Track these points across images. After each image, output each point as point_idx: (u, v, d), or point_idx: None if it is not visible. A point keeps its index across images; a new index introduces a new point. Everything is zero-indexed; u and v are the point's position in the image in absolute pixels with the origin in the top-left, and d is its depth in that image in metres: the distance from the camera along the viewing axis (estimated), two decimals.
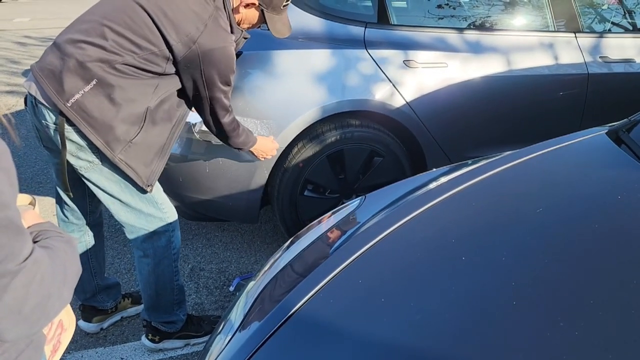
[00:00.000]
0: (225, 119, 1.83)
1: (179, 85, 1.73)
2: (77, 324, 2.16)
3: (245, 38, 1.89)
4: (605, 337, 0.85)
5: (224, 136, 1.89)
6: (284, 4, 1.85)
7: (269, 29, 1.87)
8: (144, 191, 1.76)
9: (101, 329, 2.17)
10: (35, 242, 0.77)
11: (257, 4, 1.81)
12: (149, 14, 1.60)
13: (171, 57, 1.64)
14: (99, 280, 2.10)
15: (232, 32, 1.77)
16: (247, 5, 1.81)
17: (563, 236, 1.11)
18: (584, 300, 0.92)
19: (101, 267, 2.11)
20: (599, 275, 0.98)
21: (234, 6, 1.80)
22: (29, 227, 0.81)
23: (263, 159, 2.13)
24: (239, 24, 1.85)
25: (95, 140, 1.61)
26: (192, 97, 1.76)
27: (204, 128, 1.96)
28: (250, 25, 1.89)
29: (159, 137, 1.72)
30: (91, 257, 2.05)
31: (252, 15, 1.85)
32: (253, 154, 2.06)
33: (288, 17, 1.93)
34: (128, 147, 1.65)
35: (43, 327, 0.74)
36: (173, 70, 1.68)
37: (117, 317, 2.22)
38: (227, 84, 1.75)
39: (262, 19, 1.86)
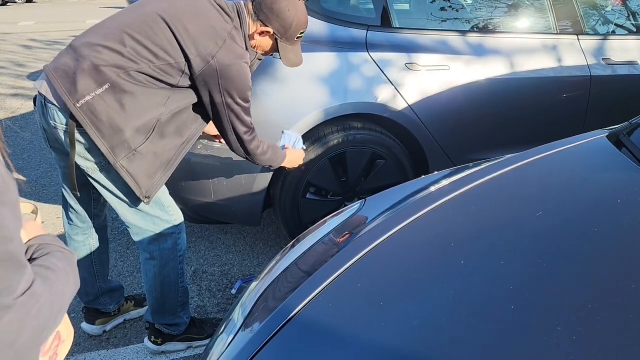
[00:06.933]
0: (247, 137, 1.82)
1: (193, 100, 1.74)
2: (80, 327, 2.18)
3: (259, 60, 1.92)
4: (603, 342, 0.85)
5: (249, 155, 1.89)
6: (298, 35, 1.86)
7: (280, 58, 1.89)
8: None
9: (104, 331, 2.18)
10: (34, 259, 0.76)
11: (272, 32, 1.82)
12: (170, 28, 1.64)
13: (187, 71, 1.67)
14: (102, 283, 2.11)
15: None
16: (262, 33, 1.83)
17: (562, 240, 1.11)
18: (582, 305, 0.92)
19: (105, 270, 2.12)
20: (598, 280, 0.98)
21: (251, 32, 1.82)
22: (29, 240, 0.80)
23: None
24: (253, 49, 1.87)
25: (100, 144, 1.62)
26: (212, 116, 1.77)
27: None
28: (264, 52, 1.91)
29: (166, 151, 1.73)
30: (95, 260, 2.06)
31: (266, 43, 1.86)
32: (285, 167, 2.09)
33: (301, 49, 1.94)
34: (132, 155, 1.66)
35: (35, 357, 0.73)
36: (187, 84, 1.70)
37: (120, 320, 2.23)
38: (245, 100, 1.77)
39: (276, 48, 1.88)
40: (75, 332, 2.19)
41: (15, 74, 6.70)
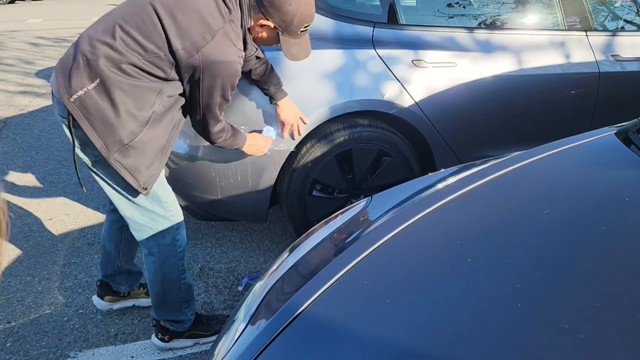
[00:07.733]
0: (214, 129, 1.83)
1: (182, 89, 1.74)
2: (91, 300, 2.26)
3: (258, 57, 1.89)
4: (611, 341, 0.85)
5: (209, 141, 1.90)
6: (302, 29, 1.80)
7: (283, 51, 1.83)
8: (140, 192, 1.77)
9: (110, 309, 2.24)
10: None
11: (272, 26, 1.77)
12: (160, 19, 1.62)
13: (175, 63, 1.65)
14: (123, 262, 2.15)
15: (245, 48, 1.77)
16: (262, 26, 1.79)
17: (570, 238, 1.10)
18: (589, 304, 0.91)
19: (131, 252, 2.17)
20: (605, 278, 0.97)
21: (251, 24, 1.78)
22: None
23: (258, 156, 2.13)
24: (255, 41, 1.85)
25: (93, 139, 1.64)
26: (188, 99, 1.76)
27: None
28: (265, 43, 1.87)
29: (159, 139, 1.73)
30: (125, 238, 2.10)
31: (267, 36, 1.82)
32: (244, 152, 2.06)
33: (309, 40, 1.87)
34: (125, 149, 1.66)
35: None
36: (177, 76, 1.68)
37: (128, 303, 2.26)
38: (225, 98, 1.75)
39: (277, 41, 1.82)
40: (84, 317, 2.20)
41: (23, 71, 6.72)
